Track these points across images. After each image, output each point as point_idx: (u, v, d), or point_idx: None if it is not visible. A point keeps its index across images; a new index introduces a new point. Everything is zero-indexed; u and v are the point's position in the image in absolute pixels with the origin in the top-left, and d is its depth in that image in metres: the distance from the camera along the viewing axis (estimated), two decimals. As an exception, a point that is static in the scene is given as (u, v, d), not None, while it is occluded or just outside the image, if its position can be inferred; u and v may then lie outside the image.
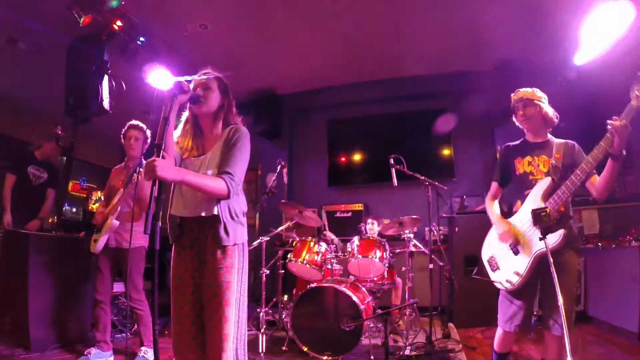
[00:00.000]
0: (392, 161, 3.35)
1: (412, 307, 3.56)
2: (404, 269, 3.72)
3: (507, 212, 2.10)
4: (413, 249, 3.77)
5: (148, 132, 2.98)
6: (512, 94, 2.10)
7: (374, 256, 3.30)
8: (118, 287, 3.41)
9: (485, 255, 2.13)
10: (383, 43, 4.74)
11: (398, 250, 3.95)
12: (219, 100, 1.70)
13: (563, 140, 2.00)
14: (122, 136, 3.01)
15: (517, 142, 2.14)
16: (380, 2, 3.97)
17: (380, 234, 4.04)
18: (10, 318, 3.12)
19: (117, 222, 2.80)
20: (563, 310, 1.51)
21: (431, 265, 3.28)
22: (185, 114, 1.72)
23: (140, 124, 3.01)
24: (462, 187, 5.09)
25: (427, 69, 5.27)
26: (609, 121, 1.65)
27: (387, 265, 3.42)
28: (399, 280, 3.95)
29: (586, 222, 4.31)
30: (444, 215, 4.26)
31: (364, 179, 5.83)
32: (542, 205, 1.80)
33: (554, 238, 1.73)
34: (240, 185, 1.64)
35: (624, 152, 1.68)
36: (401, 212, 4.12)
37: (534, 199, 1.90)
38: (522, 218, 1.93)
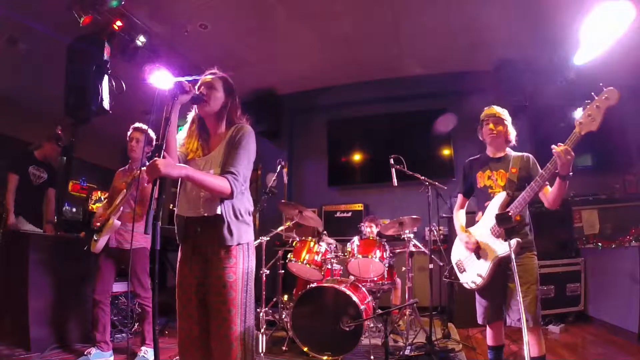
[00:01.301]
0: (392, 161, 3.35)
1: (412, 307, 3.55)
2: (404, 269, 3.72)
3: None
4: (413, 249, 3.76)
5: (152, 134, 2.96)
6: (486, 108, 2.28)
7: (374, 256, 3.30)
8: (118, 287, 3.41)
9: (453, 258, 2.33)
10: (383, 43, 4.74)
11: (398, 250, 3.94)
12: (223, 100, 1.69)
13: (519, 154, 2.19)
14: (127, 138, 3.01)
15: (478, 155, 2.34)
16: (380, 2, 3.98)
17: (380, 234, 4.03)
18: (10, 318, 3.12)
19: (118, 222, 2.79)
20: (522, 306, 1.64)
21: (431, 265, 3.28)
22: (191, 115, 1.71)
23: (143, 126, 3.00)
24: (462, 187, 5.08)
25: (427, 69, 5.27)
26: (553, 146, 1.77)
27: (387, 265, 3.42)
28: (398, 280, 3.95)
29: (586, 222, 4.31)
30: (444, 215, 4.25)
31: (364, 179, 5.82)
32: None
33: (510, 247, 1.91)
34: (245, 185, 1.62)
35: (571, 173, 1.80)
36: (401, 212, 4.11)
37: (491, 211, 2.09)
38: (482, 228, 2.14)
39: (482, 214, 2.18)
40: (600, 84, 1.62)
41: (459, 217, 2.36)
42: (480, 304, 2.18)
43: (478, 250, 2.12)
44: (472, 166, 2.32)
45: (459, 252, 2.29)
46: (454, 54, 4.88)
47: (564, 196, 2.03)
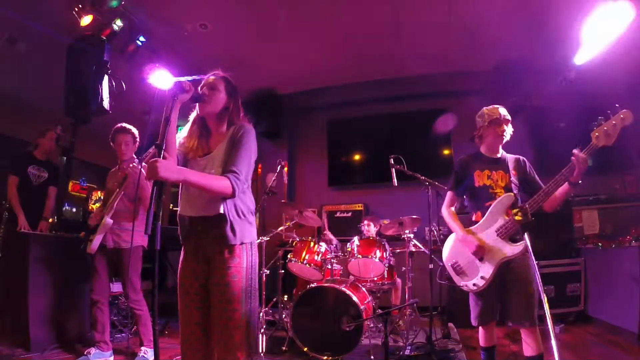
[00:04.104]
0: (392, 161, 3.35)
1: (412, 307, 3.55)
2: (404, 269, 3.72)
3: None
4: (413, 249, 3.76)
5: (135, 131, 2.99)
6: (492, 107, 2.23)
7: (374, 256, 3.30)
8: (118, 288, 3.41)
9: (448, 260, 2.30)
10: (383, 43, 4.74)
11: (398, 250, 3.94)
12: (225, 101, 1.69)
13: (515, 156, 2.23)
14: (110, 140, 3.00)
15: (472, 153, 2.32)
16: (380, 2, 3.97)
17: (380, 234, 4.03)
18: (10, 318, 3.12)
19: (110, 221, 2.78)
20: (546, 304, 1.65)
21: (431, 265, 3.28)
22: (193, 115, 1.71)
23: (127, 126, 3.00)
24: (462, 187, 5.08)
25: (427, 69, 5.26)
26: (575, 151, 1.82)
27: (387, 265, 3.42)
28: (398, 280, 3.95)
29: (586, 222, 4.30)
30: (444, 215, 4.25)
31: (364, 179, 5.83)
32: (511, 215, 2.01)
33: (519, 248, 1.98)
34: (247, 184, 1.61)
35: (580, 182, 1.88)
36: (401, 212, 4.11)
37: (497, 212, 2.08)
38: (486, 228, 2.11)
39: (482, 214, 2.15)
40: (617, 105, 1.74)
41: (455, 217, 2.30)
42: (475, 305, 2.17)
43: (482, 252, 2.09)
44: (468, 164, 2.27)
45: (456, 253, 2.25)
46: (454, 53, 4.86)
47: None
